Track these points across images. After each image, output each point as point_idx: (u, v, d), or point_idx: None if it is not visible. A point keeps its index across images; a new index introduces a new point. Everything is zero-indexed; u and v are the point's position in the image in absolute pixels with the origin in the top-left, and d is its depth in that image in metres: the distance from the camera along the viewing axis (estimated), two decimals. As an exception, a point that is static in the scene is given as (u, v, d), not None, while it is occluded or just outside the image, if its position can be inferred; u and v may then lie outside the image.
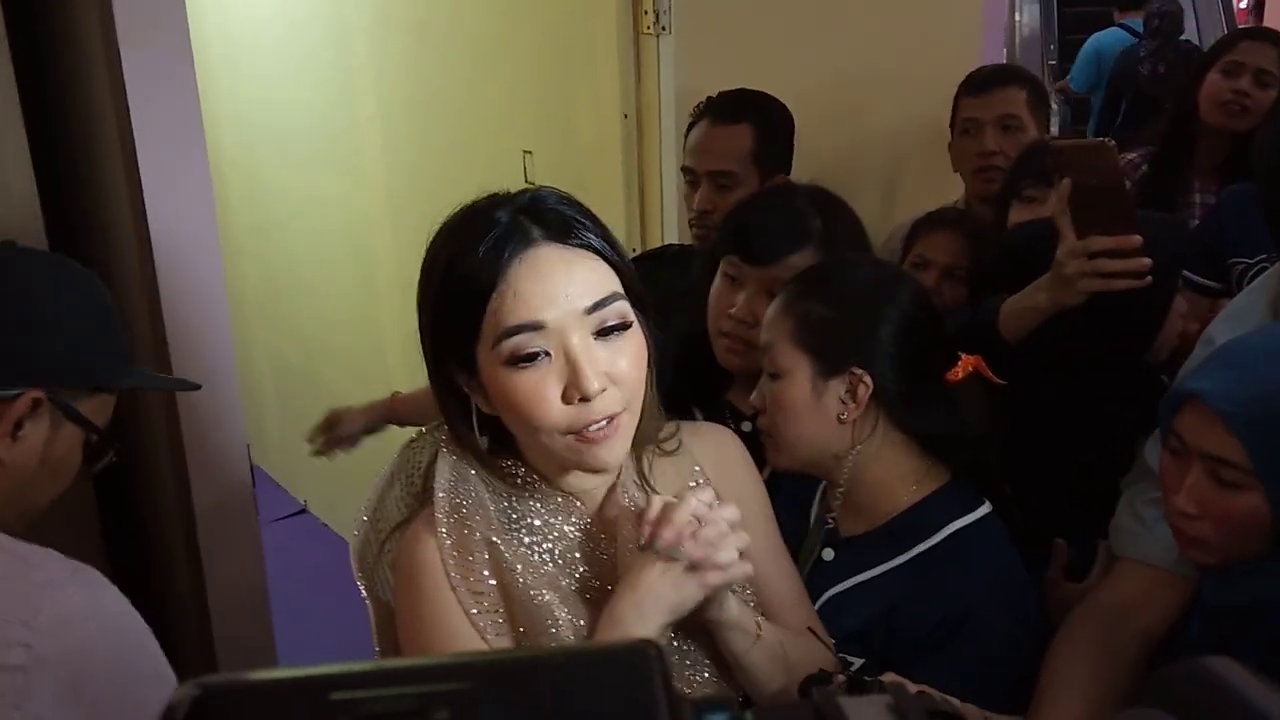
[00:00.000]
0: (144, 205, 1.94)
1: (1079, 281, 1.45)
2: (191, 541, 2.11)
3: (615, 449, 1.07)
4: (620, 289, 1.05)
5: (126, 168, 1.95)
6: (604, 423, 1.04)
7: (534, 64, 2.73)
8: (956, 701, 1.20)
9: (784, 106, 2.17)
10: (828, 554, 1.42)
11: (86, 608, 1.16)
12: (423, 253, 1.10)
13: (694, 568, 1.04)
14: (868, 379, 1.34)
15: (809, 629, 1.18)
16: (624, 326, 1.05)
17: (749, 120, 2.07)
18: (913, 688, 1.16)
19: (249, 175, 4.14)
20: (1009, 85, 2.28)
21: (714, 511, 1.06)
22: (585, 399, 1.02)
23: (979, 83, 2.32)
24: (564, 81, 2.64)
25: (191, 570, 2.14)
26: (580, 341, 1.02)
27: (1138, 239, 1.43)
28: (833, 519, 1.43)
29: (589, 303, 1.02)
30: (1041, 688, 1.27)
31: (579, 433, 1.04)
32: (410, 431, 1.28)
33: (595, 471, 1.10)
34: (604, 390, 1.03)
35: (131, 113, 1.89)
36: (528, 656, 0.39)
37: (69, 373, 1.29)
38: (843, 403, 1.35)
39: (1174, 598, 1.32)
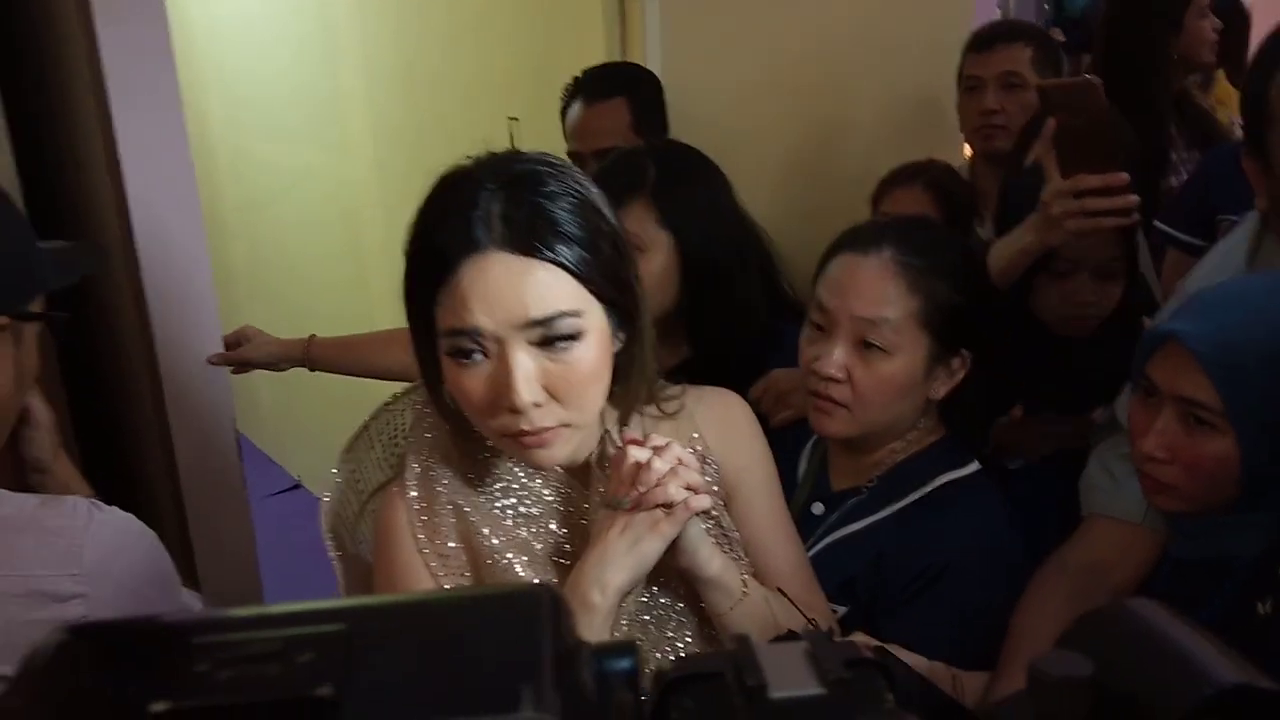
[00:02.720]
0: (123, 182, 1.93)
1: (1067, 222, 1.44)
2: (180, 516, 2.12)
3: (554, 453, 1.04)
4: (575, 306, 0.99)
5: (106, 146, 1.94)
6: (539, 434, 1.01)
7: (519, 29, 2.70)
8: (921, 658, 1.20)
9: (650, 73, 2.18)
10: (817, 508, 1.42)
11: (118, 535, 1.17)
12: (409, 225, 1.08)
13: (637, 507, 1.03)
14: (969, 361, 1.36)
15: (778, 589, 1.16)
16: (572, 337, 1.00)
17: (622, 93, 2.08)
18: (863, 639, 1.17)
19: (236, 150, 4.12)
20: (1013, 42, 2.24)
21: (658, 455, 1.04)
22: (514, 410, 0.99)
23: (983, 39, 2.29)
24: (550, 46, 2.61)
25: (180, 543, 2.14)
26: (517, 352, 0.98)
27: (1125, 176, 1.42)
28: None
29: (532, 317, 0.97)
30: (1011, 644, 1.27)
31: (514, 437, 1.02)
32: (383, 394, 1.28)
33: (534, 467, 1.09)
34: (540, 405, 0.99)
35: (109, 90, 1.88)
36: (410, 600, 0.38)
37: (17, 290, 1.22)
38: (941, 382, 1.37)
39: (1145, 554, 1.32)
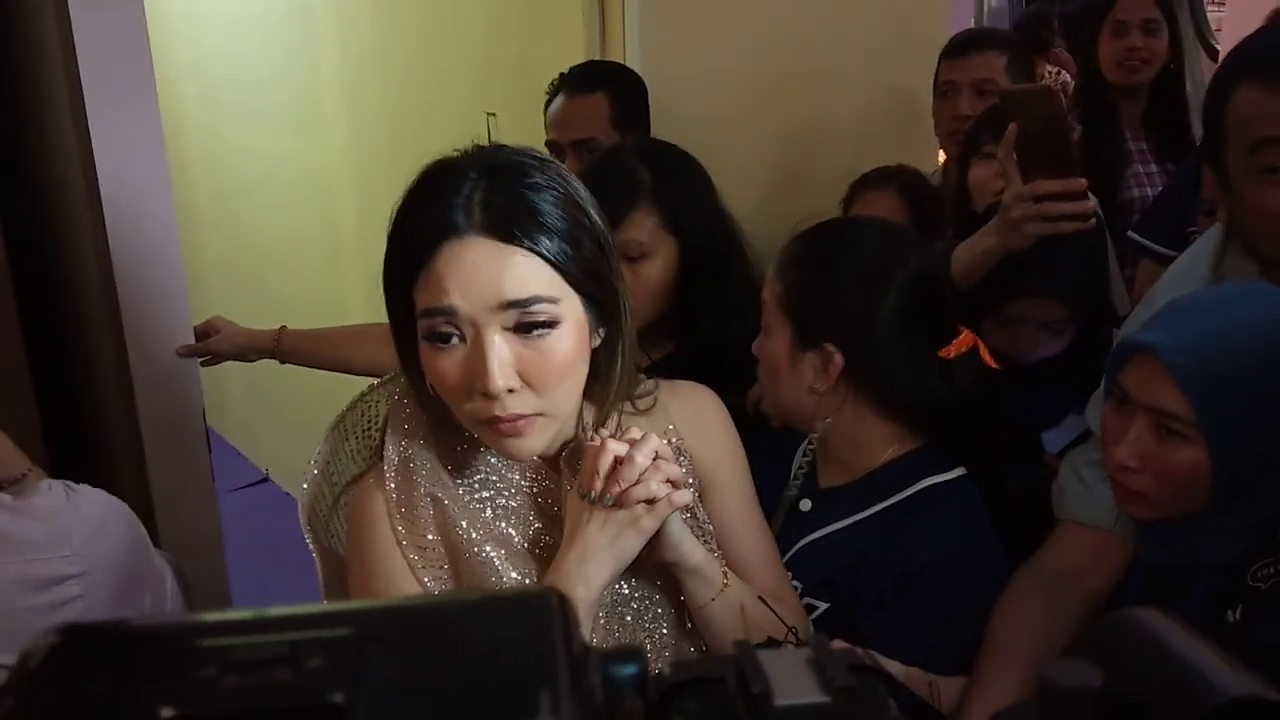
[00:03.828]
0: (95, 169, 1.90)
1: (1026, 225, 1.48)
2: (148, 508, 2.08)
3: (529, 444, 1.04)
4: (552, 293, 1.00)
5: (78, 132, 1.91)
6: (513, 421, 1.01)
7: (498, 24, 2.69)
8: (897, 663, 1.21)
9: (634, 72, 2.22)
10: (805, 504, 1.44)
11: (100, 510, 1.21)
12: (386, 218, 1.08)
13: (620, 505, 1.03)
14: (838, 358, 1.34)
15: (759, 597, 1.16)
16: (549, 325, 1.00)
17: (603, 88, 2.12)
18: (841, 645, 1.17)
19: (210, 138, 4.08)
20: (988, 49, 2.29)
21: (635, 449, 1.04)
22: (488, 395, 0.99)
23: (959, 45, 2.33)
24: (529, 42, 2.60)
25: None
26: (491, 335, 0.98)
27: (1082, 182, 1.46)
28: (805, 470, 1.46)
29: (507, 299, 0.98)
30: (986, 651, 1.27)
31: (489, 423, 1.02)
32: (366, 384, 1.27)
33: (510, 458, 1.10)
34: (514, 391, 1.00)
35: (82, 75, 1.85)
36: (419, 604, 0.37)
37: None
38: (815, 373, 1.36)
39: (1117, 559, 1.33)
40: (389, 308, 1.07)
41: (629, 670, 0.36)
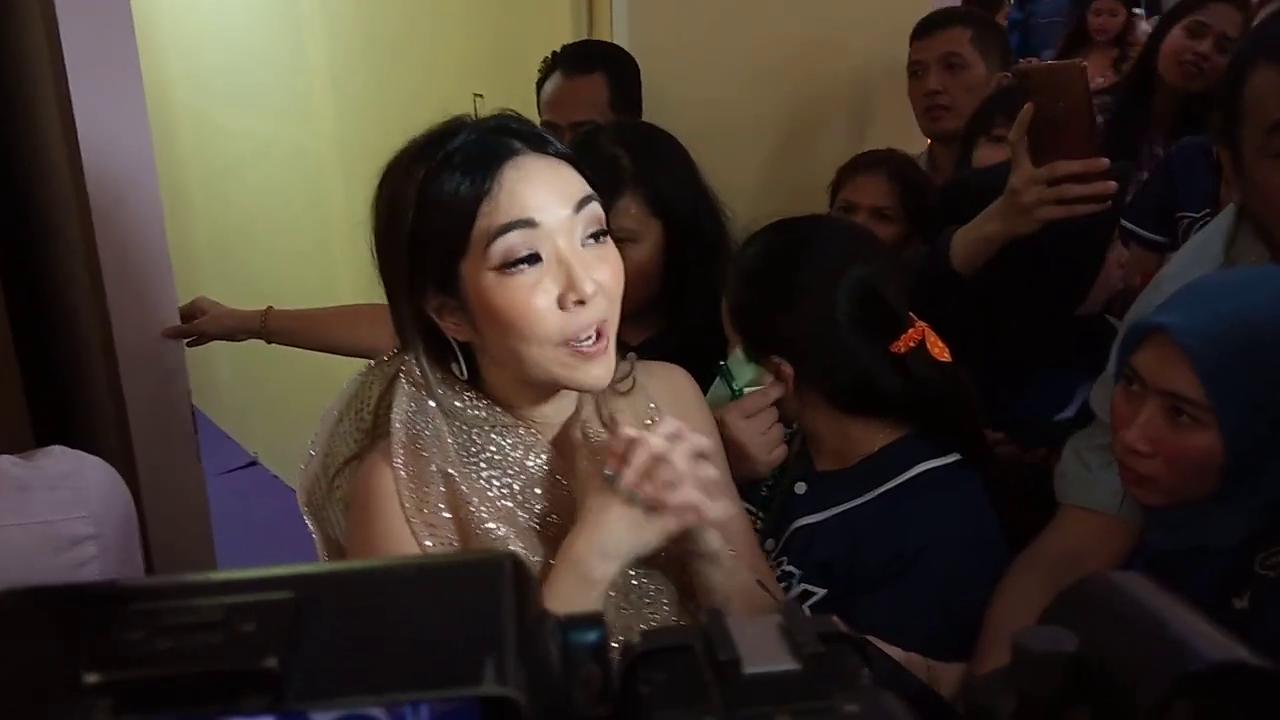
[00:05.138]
0: (79, 150, 1.88)
1: (1037, 210, 1.42)
2: (134, 493, 2.06)
3: (606, 364, 1.07)
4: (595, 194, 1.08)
5: (61, 112, 1.89)
6: (593, 334, 1.04)
7: (485, 4, 2.67)
8: (897, 649, 1.20)
9: (628, 53, 2.21)
10: (800, 488, 1.43)
11: (107, 476, 1.23)
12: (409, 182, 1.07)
13: (652, 509, 1.01)
14: (787, 368, 1.36)
15: (758, 581, 1.15)
16: (604, 233, 1.07)
17: (601, 69, 2.11)
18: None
19: (200, 121, 4.05)
20: (950, 25, 2.31)
21: (674, 448, 1.02)
22: (581, 301, 1.02)
23: (923, 26, 2.35)
24: (516, 23, 2.58)
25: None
26: (570, 245, 1.03)
27: (1105, 161, 1.40)
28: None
29: (575, 201, 1.04)
30: (986, 635, 1.26)
31: (572, 346, 1.04)
32: (355, 365, 1.25)
33: (585, 389, 1.10)
34: (595, 294, 1.03)
35: (66, 55, 1.83)
36: (364, 567, 0.36)
37: None
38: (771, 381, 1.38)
39: (1120, 545, 1.31)
40: (412, 285, 1.07)
41: (589, 637, 0.35)
